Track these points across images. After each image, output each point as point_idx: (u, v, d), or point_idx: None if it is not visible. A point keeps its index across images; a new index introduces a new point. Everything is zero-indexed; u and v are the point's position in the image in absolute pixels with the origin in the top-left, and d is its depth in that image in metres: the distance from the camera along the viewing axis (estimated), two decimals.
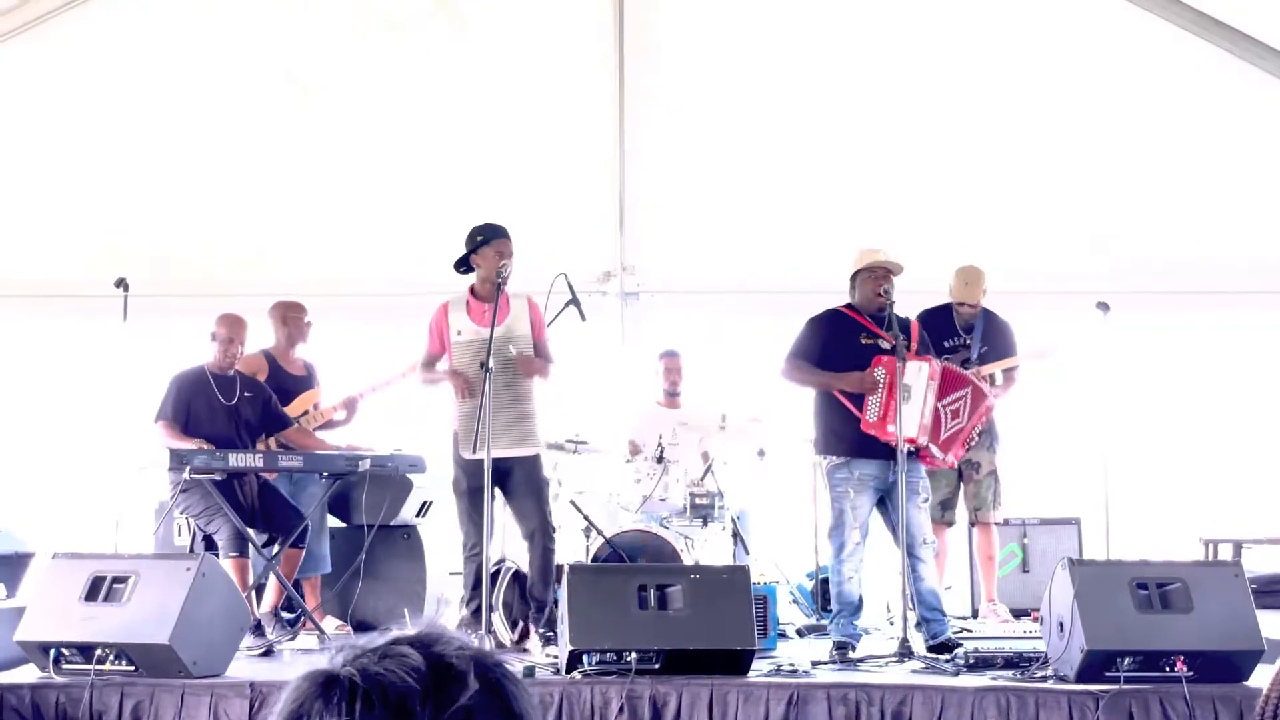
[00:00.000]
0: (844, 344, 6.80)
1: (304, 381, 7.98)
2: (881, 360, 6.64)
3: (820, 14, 8.99)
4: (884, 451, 6.54)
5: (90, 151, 9.22)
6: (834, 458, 6.77)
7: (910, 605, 6.55)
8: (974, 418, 6.62)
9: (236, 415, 7.30)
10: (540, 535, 6.89)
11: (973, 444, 6.79)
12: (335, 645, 1.50)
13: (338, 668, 1.45)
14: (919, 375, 6.56)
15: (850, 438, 6.70)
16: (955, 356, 7.61)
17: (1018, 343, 7.94)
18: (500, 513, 7.06)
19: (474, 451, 6.65)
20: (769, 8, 9.00)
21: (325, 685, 1.44)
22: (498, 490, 6.86)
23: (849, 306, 6.92)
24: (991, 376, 7.65)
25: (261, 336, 7.98)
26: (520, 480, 6.89)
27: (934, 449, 6.59)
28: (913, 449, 6.59)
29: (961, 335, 7.79)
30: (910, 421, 6.50)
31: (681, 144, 9.32)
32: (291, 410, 7.80)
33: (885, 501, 6.69)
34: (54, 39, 9.00)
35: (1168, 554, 7.03)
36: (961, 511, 7.93)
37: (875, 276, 6.79)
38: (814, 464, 8.31)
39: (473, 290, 6.98)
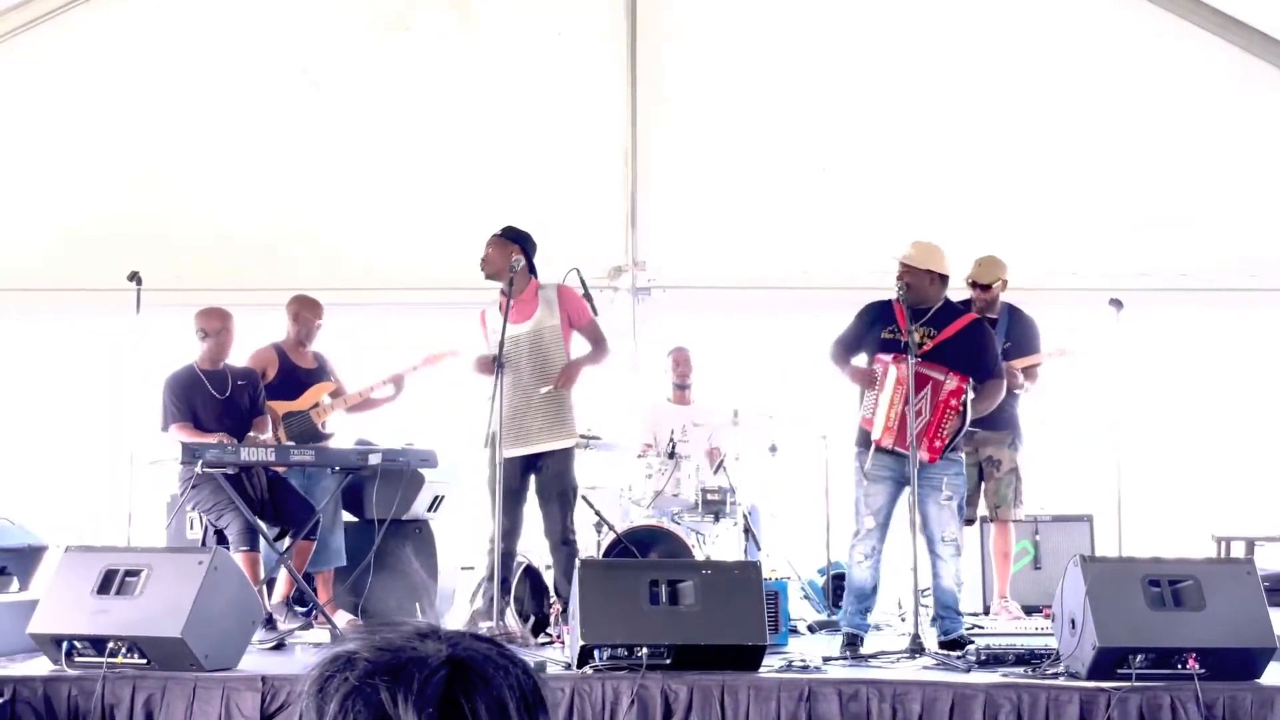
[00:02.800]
0: (870, 335, 6.79)
1: (315, 374, 7.98)
2: (883, 356, 6.63)
3: (833, 11, 9.00)
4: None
5: (103, 145, 9.26)
6: (856, 447, 6.80)
7: (920, 601, 6.54)
8: (937, 412, 6.53)
9: (233, 408, 7.32)
10: (561, 542, 6.94)
11: (943, 434, 6.68)
12: (369, 631, 1.53)
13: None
14: (889, 376, 6.53)
15: (861, 428, 6.74)
16: None
17: (1042, 340, 7.92)
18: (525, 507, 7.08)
19: (507, 449, 6.69)
20: (781, 5, 9.00)
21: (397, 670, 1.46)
22: (530, 481, 6.95)
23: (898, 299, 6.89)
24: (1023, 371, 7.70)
25: (272, 330, 8.00)
26: (549, 478, 6.93)
27: (899, 450, 6.54)
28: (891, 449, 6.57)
29: None
30: (878, 422, 6.51)
31: (693, 139, 9.32)
32: (302, 403, 7.82)
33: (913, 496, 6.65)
34: (66, 34, 9.05)
35: (1180, 551, 7.02)
36: (982, 509, 7.90)
37: (896, 274, 6.78)
38: (825, 459, 8.34)
39: (503, 290, 6.98)
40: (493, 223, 7.20)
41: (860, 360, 6.82)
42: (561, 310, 7.01)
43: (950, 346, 6.68)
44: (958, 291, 7.33)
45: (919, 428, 6.46)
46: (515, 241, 7.01)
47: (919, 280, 6.67)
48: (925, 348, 6.61)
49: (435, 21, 9.11)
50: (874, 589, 6.68)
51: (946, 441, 6.55)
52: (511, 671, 1.50)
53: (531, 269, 7.05)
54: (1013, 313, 7.91)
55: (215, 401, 7.28)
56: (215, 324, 7.35)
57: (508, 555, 6.82)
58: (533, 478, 6.98)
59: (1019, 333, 7.87)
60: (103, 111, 9.22)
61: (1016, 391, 7.76)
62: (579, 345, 7.14)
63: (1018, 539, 8.28)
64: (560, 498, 6.95)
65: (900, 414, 6.47)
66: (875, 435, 6.52)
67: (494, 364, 6.60)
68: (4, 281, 9.27)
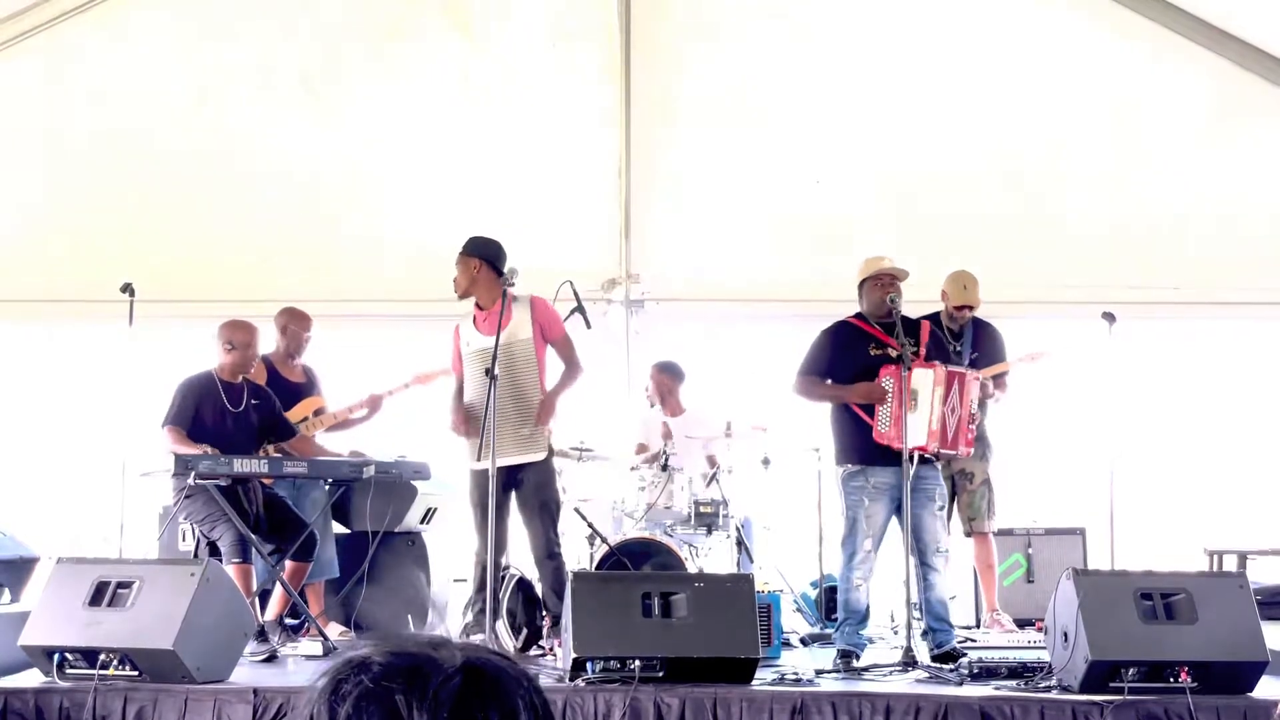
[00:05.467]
0: (852, 355, 6.79)
1: (303, 388, 7.98)
2: (889, 369, 6.64)
3: (826, 23, 9.02)
4: (898, 458, 6.53)
5: (96, 156, 9.24)
6: (849, 466, 6.75)
7: (916, 614, 6.54)
8: (965, 403, 6.63)
9: (243, 423, 7.30)
10: (546, 556, 6.91)
11: (971, 426, 6.76)
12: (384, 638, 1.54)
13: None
14: (925, 382, 6.55)
15: (864, 446, 6.68)
16: None
17: (1007, 349, 7.95)
18: (509, 521, 7.06)
19: (479, 460, 6.68)
20: (775, 18, 9.01)
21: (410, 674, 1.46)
22: (511, 496, 6.92)
23: (858, 316, 6.91)
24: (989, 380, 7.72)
25: (265, 342, 7.99)
26: (529, 491, 6.90)
27: (945, 452, 6.61)
28: (925, 456, 6.59)
29: (952, 342, 7.79)
30: (919, 429, 6.49)
31: (687, 151, 9.33)
32: (290, 417, 7.80)
33: (901, 509, 6.66)
34: (60, 45, 9.04)
35: (1172, 564, 7.02)
36: (956, 523, 7.91)
37: (882, 283, 6.78)
38: (818, 472, 8.33)
39: (477, 303, 6.99)
40: (487, 234, 7.19)
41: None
42: (534, 323, 6.98)
43: (930, 352, 6.80)
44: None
45: (954, 428, 6.54)
46: (475, 255, 6.98)
47: (899, 291, 6.74)
48: (920, 356, 6.66)
49: (432, 36, 9.12)
50: (869, 609, 6.70)
51: (974, 433, 6.70)
52: (524, 684, 1.50)
53: (499, 274, 6.92)
54: (978, 325, 7.93)
55: (225, 413, 7.25)
56: (243, 337, 7.31)
57: (495, 568, 6.80)
58: (513, 492, 6.96)
59: (986, 344, 7.90)
60: (96, 122, 9.21)
61: (987, 402, 7.78)
62: (553, 358, 7.12)
63: (1010, 552, 8.28)
64: (542, 510, 6.92)
65: (942, 416, 6.51)
66: (917, 443, 6.49)
67: (485, 374, 6.55)
68: None
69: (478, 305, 6.92)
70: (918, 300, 7.22)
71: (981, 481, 7.79)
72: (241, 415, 7.29)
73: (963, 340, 7.82)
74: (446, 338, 7.28)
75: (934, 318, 7.84)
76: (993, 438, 7.92)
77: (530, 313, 6.98)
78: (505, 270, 6.82)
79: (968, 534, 7.90)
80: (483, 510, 6.67)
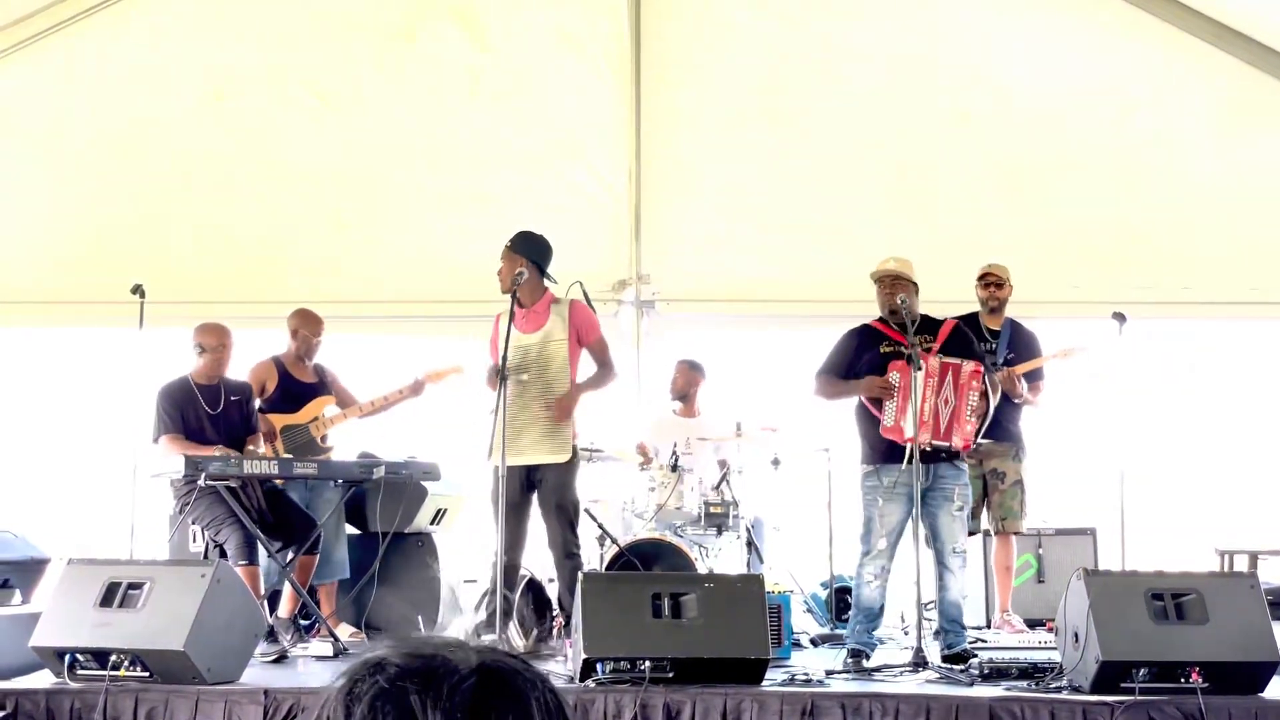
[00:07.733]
0: (866, 355, 6.82)
1: (314, 389, 7.98)
2: (897, 365, 6.65)
3: (837, 27, 9.02)
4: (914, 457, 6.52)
5: (107, 157, 9.26)
6: (865, 465, 6.78)
7: (926, 614, 6.53)
8: (961, 395, 6.60)
9: (225, 422, 7.32)
10: (565, 556, 6.92)
11: (971, 418, 6.73)
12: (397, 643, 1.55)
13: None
14: (918, 374, 6.56)
15: (877, 445, 6.70)
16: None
17: (1042, 350, 7.97)
18: (529, 520, 7.06)
19: (495, 458, 6.69)
20: (786, 19, 9.01)
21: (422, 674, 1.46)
22: (532, 496, 6.93)
23: (879, 319, 6.93)
24: (1022, 378, 7.72)
25: (275, 343, 8.00)
26: (549, 491, 6.91)
27: (937, 443, 6.58)
28: (947, 454, 6.58)
29: (988, 340, 7.81)
30: (911, 420, 6.50)
31: (698, 152, 9.33)
32: (300, 416, 7.81)
33: (921, 509, 6.65)
34: (73, 47, 9.06)
35: (1183, 565, 7.00)
36: (985, 522, 7.91)
37: (884, 285, 6.81)
38: (828, 473, 8.34)
39: (517, 299, 6.98)
40: (497, 236, 7.18)
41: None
42: (571, 326, 7.00)
43: (946, 349, 6.78)
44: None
45: (947, 418, 6.52)
46: (521, 253, 6.99)
47: (910, 292, 6.73)
48: (932, 352, 6.66)
49: (440, 38, 9.13)
50: (882, 609, 6.68)
51: (977, 425, 6.66)
52: (540, 687, 1.50)
53: (544, 276, 7.03)
54: (1014, 326, 7.98)
55: (205, 415, 7.28)
56: (212, 340, 7.34)
57: (510, 568, 6.82)
58: (534, 492, 6.98)
59: (1021, 344, 7.92)
60: (106, 123, 9.23)
61: (1016, 401, 7.78)
62: (586, 362, 7.13)
63: (1021, 552, 8.28)
64: (560, 511, 6.93)
65: (934, 407, 6.51)
66: (909, 434, 6.49)
67: (497, 374, 6.60)
68: (7, 294, 9.27)
69: (518, 302, 6.89)
70: (928, 300, 7.19)
71: (1014, 482, 7.79)
72: (221, 416, 7.32)
73: (999, 340, 7.84)
74: (468, 339, 7.28)
75: (972, 317, 7.86)
76: (1027, 439, 7.91)
77: (568, 316, 7.01)
78: (515, 278, 6.82)
79: (996, 532, 7.90)
80: (502, 509, 6.69)
